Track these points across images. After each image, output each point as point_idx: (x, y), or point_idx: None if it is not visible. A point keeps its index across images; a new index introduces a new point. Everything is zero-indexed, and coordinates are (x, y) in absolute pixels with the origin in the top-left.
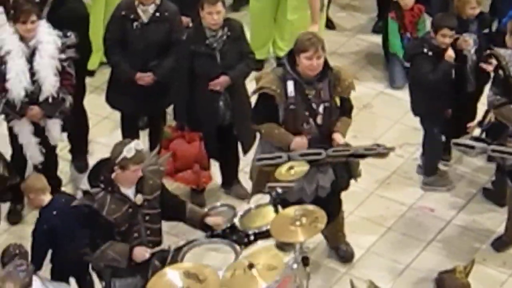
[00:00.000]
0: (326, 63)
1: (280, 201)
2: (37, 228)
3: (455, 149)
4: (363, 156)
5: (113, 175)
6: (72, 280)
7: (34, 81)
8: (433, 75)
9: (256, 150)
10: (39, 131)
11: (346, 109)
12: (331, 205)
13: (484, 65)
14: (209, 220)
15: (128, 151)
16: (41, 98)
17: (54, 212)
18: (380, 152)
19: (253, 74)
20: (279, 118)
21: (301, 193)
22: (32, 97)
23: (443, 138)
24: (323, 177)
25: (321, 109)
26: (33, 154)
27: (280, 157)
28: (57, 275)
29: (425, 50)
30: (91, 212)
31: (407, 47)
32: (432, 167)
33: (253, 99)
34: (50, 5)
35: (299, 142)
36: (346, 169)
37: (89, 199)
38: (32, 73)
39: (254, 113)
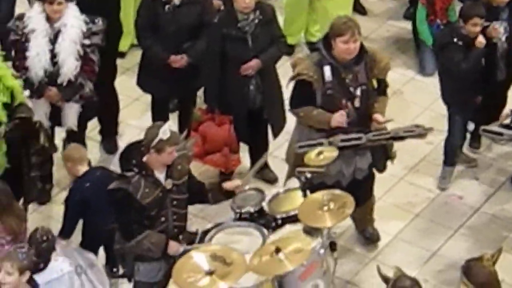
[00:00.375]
0: (362, 46)
1: (315, 185)
2: (69, 197)
3: (484, 137)
4: (402, 138)
5: (145, 158)
6: (100, 250)
7: (54, 63)
8: (465, 64)
9: (293, 135)
10: (57, 114)
11: (382, 89)
12: (365, 188)
13: None
14: (227, 185)
15: (164, 133)
16: (59, 81)
17: (87, 184)
18: (419, 133)
19: (284, 58)
20: (316, 103)
21: (339, 175)
22: (51, 78)
23: (472, 126)
24: (361, 159)
25: (358, 92)
26: None
27: (321, 143)
28: (86, 244)
29: (455, 40)
30: (125, 196)
31: (436, 36)
32: (452, 156)
33: (288, 85)
34: None
35: (338, 117)
36: (383, 151)
37: (124, 183)
38: (54, 55)
39: (292, 99)
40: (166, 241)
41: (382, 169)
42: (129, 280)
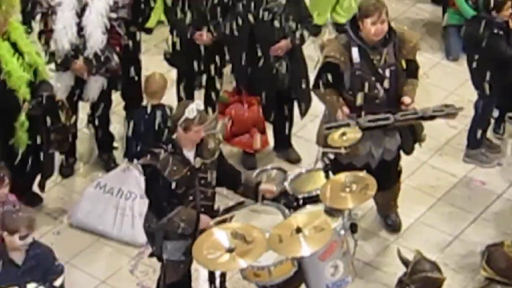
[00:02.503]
0: (390, 27)
1: (344, 165)
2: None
3: (509, 123)
4: (432, 117)
5: (174, 136)
6: None
7: (80, 36)
8: (511, 49)
9: (323, 116)
10: (82, 87)
11: (412, 70)
12: (392, 172)
13: None
14: (263, 187)
15: (190, 112)
16: (86, 54)
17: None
18: (449, 112)
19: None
20: (344, 85)
21: (369, 157)
22: (78, 51)
23: (497, 112)
24: (390, 141)
25: (387, 73)
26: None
27: (348, 124)
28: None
29: (495, 31)
30: (153, 172)
31: (470, 31)
32: (476, 140)
33: (316, 66)
34: None
35: (340, 116)
36: (411, 133)
37: (153, 159)
38: (80, 28)
39: (315, 79)
40: (197, 217)
41: (409, 151)
42: (159, 260)
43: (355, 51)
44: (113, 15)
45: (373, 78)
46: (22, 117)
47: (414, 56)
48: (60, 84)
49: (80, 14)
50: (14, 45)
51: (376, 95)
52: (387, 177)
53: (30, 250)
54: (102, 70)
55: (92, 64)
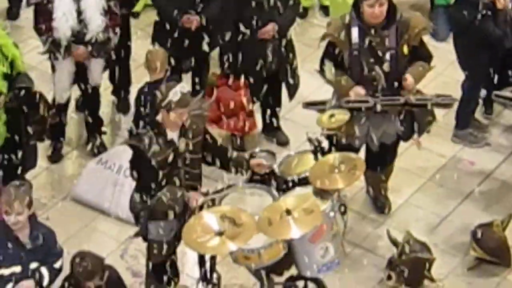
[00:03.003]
0: (394, 11)
1: (343, 145)
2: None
3: (496, 102)
4: (417, 106)
5: (158, 117)
6: None
7: (80, 21)
8: (499, 30)
9: (332, 95)
10: (81, 71)
11: (419, 56)
12: (389, 153)
13: None
14: (253, 161)
15: (174, 94)
16: (87, 38)
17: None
18: (437, 102)
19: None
20: (344, 64)
21: (367, 138)
22: (79, 36)
23: (485, 92)
24: (389, 124)
25: (387, 56)
26: (59, 95)
27: (367, 101)
28: None
29: (484, 12)
30: (138, 153)
31: (458, 15)
32: (464, 120)
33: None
34: None
35: (357, 89)
36: (411, 121)
37: (137, 140)
38: (79, 13)
39: (321, 61)
40: (184, 195)
41: (405, 139)
42: (144, 240)
43: (354, 31)
44: None
45: (372, 60)
46: None
47: (418, 42)
48: (62, 71)
49: None
50: None
51: (375, 77)
52: (383, 159)
53: (33, 231)
54: (102, 52)
55: (94, 47)
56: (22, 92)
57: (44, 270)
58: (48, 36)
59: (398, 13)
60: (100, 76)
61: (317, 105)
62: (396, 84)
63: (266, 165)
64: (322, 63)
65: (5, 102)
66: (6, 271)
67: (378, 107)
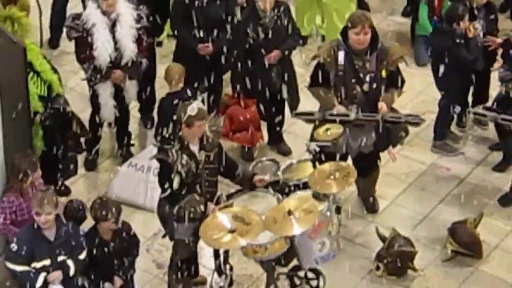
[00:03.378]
0: (375, 39)
1: (328, 153)
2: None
3: (472, 117)
4: (392, 122)
5: (181, 133)
6: None
7: (116, 48)
8: (471, 55)
9: (318, 108)
10: (117, 92)
11: (394, 80)
12: (370, 162)
13: (490, 39)
14: (256, 178)
15: (192, 110)
16: (123, 62)
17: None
18: (408, 120)
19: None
20: (330, 82)
21: (348, 148)
22: (115, 62)
23: (459, 108)
24: (367, 137)
25: (367, 78)
26: (108, 114)
27: (347, 115)
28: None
29: (458, 40)
30: (166, 166)
31: (435, 42)
32: (441, 133)
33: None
34: None
35: (342, 109)
36: (386, 134)
37: (164, 154)
38: (115, 42)
39: (311, 78)
40: (205, 204)
41: (382, 149)
42: (171, 239)
43: (341, 55)
44: (138, 25)
45: (354, 80)
46: (36, 127)
47: (395, 68)
48: (103, 93)
49: (112, 30)
50: (30, 65)
51: (355, 95)
52: (366, 166)
53: (60, 228)
54: (136, 74)
55: (130, 70)
56: (56, 111)
57: (70, 262)
58: (90, 64)
59: (379, 42)
60: (135, 95)
61: (306, 115)
62: (373, 102)
63: (267, 180)
64: (311, 80)
65: (41, 120)
66: (38, 264)
67: (355, 119)
